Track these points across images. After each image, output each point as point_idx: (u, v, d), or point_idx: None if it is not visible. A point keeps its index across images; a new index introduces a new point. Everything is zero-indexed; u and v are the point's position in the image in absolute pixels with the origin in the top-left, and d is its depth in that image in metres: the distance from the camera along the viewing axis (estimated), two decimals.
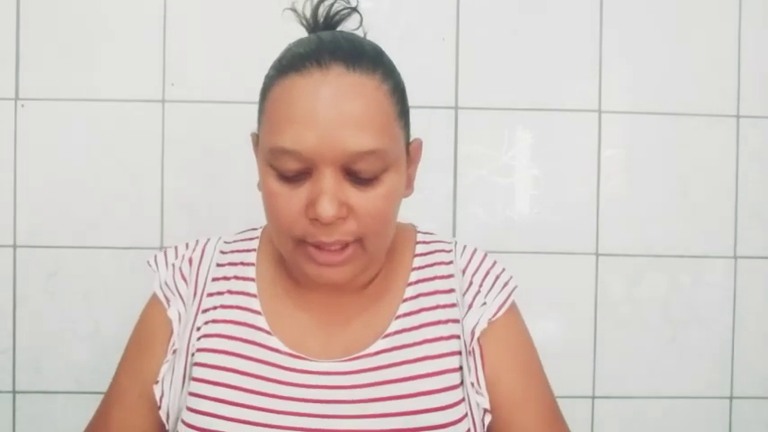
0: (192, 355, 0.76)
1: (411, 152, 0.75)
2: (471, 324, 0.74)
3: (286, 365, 0.73)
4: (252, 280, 0.78)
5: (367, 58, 0.69)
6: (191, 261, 0.80)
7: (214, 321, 0.76)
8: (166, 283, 0.79)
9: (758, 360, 1.26)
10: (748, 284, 1.26)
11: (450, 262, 0.79)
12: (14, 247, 1.22)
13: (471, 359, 0.74)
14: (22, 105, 1.21)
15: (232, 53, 1.21)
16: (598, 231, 1.25)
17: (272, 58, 0.73)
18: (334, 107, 0.66)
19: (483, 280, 0.78)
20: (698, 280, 1.25)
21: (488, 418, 0.75)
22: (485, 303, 0.76)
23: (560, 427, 0.79)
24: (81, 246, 1.22)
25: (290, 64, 0.69)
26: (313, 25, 0.76)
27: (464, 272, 0.78)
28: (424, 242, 0.81)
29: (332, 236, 0.68)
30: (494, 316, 0.75)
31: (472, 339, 0.74)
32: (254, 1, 1.20)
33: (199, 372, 0.74)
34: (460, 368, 0.74)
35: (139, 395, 0.78)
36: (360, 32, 0.76)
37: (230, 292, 0.78)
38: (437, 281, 0.77)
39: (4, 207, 1.21)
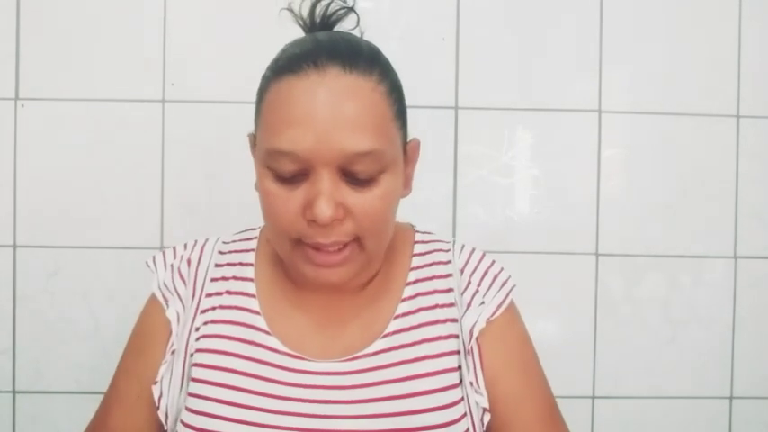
0: (191, 355, 0.76)
1: (409, 152, 0.75)
2: (470, 323, 0.75)
3: (285, 365, 0.73)
4: (250, 280, 0.78)
5: (364, 58, 0.69)
6: (189, 262, 0.80)
7: (213, 322, 0.76)
8: (165, 284, 0.79)
9: (758, 360, 1.26)
10: (748, 284, 1.26)
11: (449, 261, 0.79)
12: (14, 247, 1.22)
13: (470, 358, 0.74)
14: (22, 105, 1.21)
15: (232, 53, 1.21)
16: (598, 231, 1.25)
17: (273, 57, 0.73)
18: (331, 109, 0.66)
19: (481, 279, 0.78)
20: (698, 280, 1.25)
21: (487, 417, 0.75)
22: (483, 303, 0.76)
23: (559, 425, 0.79)
24: (81, 246, 1.22)
25: (287, 65, 0.69)
26: (310, 25, 0.76)
27: (462, 271, 0.78)
28: (423, 242, 0.81)
29: (329, 237, 0.68)
30: (492, 315, 0.76)
31: (471, 339, 0.74)
32: (254, 1, 1.20)
33: (198, 372, 0.74)
34: (459, 367, 0.74)
35: (138, 396, 0.78)
36: (356, 32, 0.76)
37: (229, 292, 0.78)
38: (435, 280, 0.77)
39: (4, 207, 1.21)
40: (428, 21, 1.23)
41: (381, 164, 0.68)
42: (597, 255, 1.25)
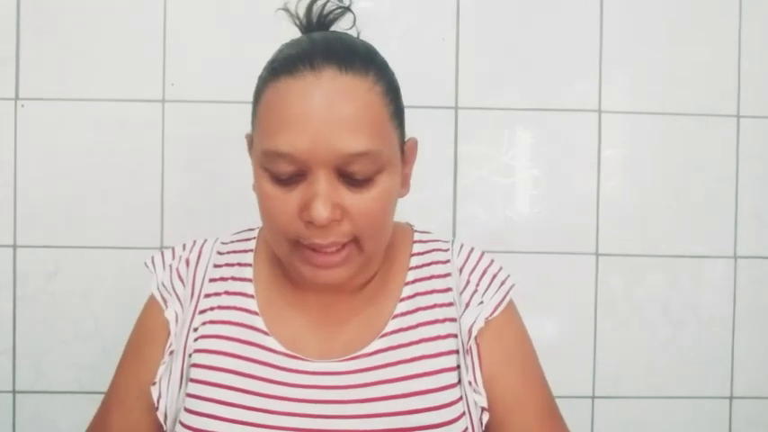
0: (190, 356, 0.76)
1: (406, 152, 0.75)
2: (468, 323, 0.74)
3: (283, 366, 0.73)
4: (249, 281, 0.78)
5: (359, 59, 0.69)
6: (188, 262, 0.80)
7: (211, 322, 0.76)
8: (163, 285, 0.79)
9: (758, 360, 1.26)
10: (748, 284, 1.26)
11: (448, 261, 0.79)
12: (14, 247, 1.22)
13: (468, 358, 0.74)
14: (22, 105, 1.21)
15: (232, 53, 1.21)
16: (598, 231, 1.25)
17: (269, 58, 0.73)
18: (327, 110, 0.66)
19: (480, 279, 0.77)
20: (698, 280, 1.25)
21: (486, 417, 0.75)
22: (482, 302, 0.76)
23: (558, 424, 0.79)
24: (81, 246, 1.22)
25: (283, 66, 0.68)
26: (306, 25, 0.76)
27: (461, 271, 0.78)
28: (421, 241, 0.81)
29: (326, 238, 0.68)
30: (491, 315, 0.75)
31: (469, 338, 0.74)
32: (253, 1, 1.20)
33: (196, 373, 0.74)
34: (458, 367, 0.74)
35: (138, 396, 0.78)
36: (353, 32, 0.76)
37: (227, 292, 0.78)
38: (434, 280, 0.77)
39: (4, 207, 1.21)
40: (428, 21, 1.23)
41: (378, 164, 0.68)
42: (597, 255, 1.25)
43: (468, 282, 0.77)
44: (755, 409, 1.26)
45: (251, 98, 0.73)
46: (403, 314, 0.75)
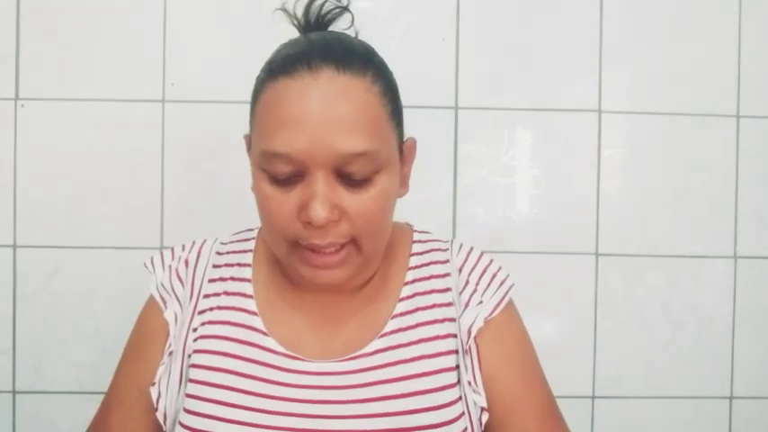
0: (189, 356, 0.76)
1: (405, 151, 0.75)
2: (468, 323, 0.74)
3: (282, 366, 0.73)
4: (248, 281, 0.78)
5: (357, 59, 0.69)
6: (187, 262, 0.80)
7: (210, 322, 0.76)
8: (163, 285, 0.79)
9: (758, 360, 1.26)
10: (748, 284, 1.26)
11: (447, 261, 0.79)
12: (14, 247, 1.22)
13: (468, 358, 0.74)
14: (22, 105, 1.21)
15: (232, 53, 1.21)
16: (598, 231, 1.25)
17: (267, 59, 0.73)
18: (325, 110, 0.65)
19: (479, 278, 0.77)
20: (698, 280, 1.25)
21: (486, 417, 0.74)
22: (481, 302, 0.76)
23: (558, 424, 0.79)
24: (81, 246, 1.22)
25: (280, 67, 0.68)
26: (304, 25, 0.76)
27: (460, 270, 0.78)
28: (421, 241, 0.81)
29: (325, 239, 0.68)
30: (490, 315, 0.75)
31: (468, 338, 0.74)
32: (253, 1, 1.20)
33: (195, 373, 0.74)
34: (457, 367, 0.74)
35: (137, 397, 0.78)
36: (351, 32, 0.76)
37: (226, 293, 0.77)
38: (433, 280, 0.77)
39: (4, 207, 1.21)
40: (428, 21, 1.23)
41: (376, 164, 0.68)
42: (597, 255, 1.25)
43: (467, 282, 0.77)
44: (755, 409, 1.26)
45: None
46: (402, 314, 0.75)
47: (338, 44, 0.70)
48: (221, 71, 1.21)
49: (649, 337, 1.25)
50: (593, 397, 1.25)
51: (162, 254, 0.81)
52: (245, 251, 0.80)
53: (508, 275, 0.79)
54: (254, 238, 0.82)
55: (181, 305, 0.78)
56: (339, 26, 0.76)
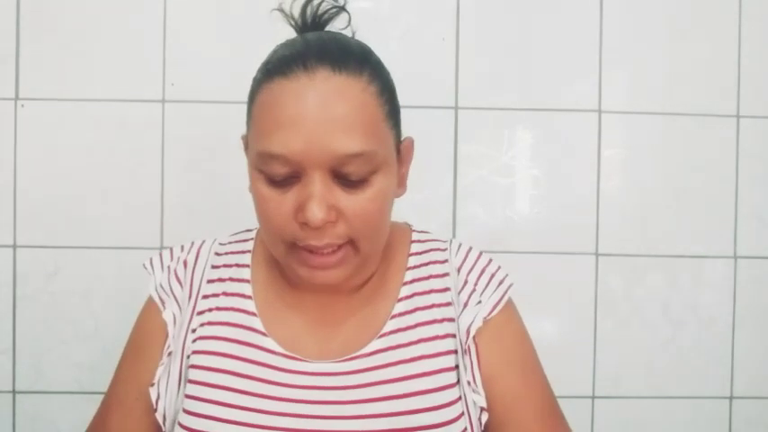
0: (188, 357, 0.75)
1: (402, 151, 0.74)
2: (466, 323, 0.74)
3: (281, 366, 0.73)
4: (247, 281, 0.78)
5: (354, 59, 0.69)
6: (185, 263, 0.80)
7: (209, 323, 0.76)
8: (161, 286, 0.79)
9: (758, 360, 1.26)
10: (748, 284, 1.26)
11: (445, 261, 0.79)
12: (14, 247, 1.22)
13: (467, 358, 0.74)
14: (22, 105, 1.21)
15: (232, 53, 1.21)
16: (598, 231, 1.25)
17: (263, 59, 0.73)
18: (321, 110, 0.65)
19: (478, 278, 0.77)
20: (698, 280, 1.25)
21: (485, 417, 0.74)
22: (480, 302, 0.76)
23: (558, 422, 0.79)
24: (81, 246, 1.22)
25: (276, 67, 0.68)
26: (301, 25, 0.76)
27: (459, 270, 0.78)
28: (419, 241, 0.81)
29: (322, 240, 0.67)
30: (489, 314, 0.75)
31: (467, 338, 0.74)
32: (253, 1, 1.20)
33: (195, 374, 0.74)
34: (456, 367, 0.74)
35: (136, 398, 0.78)
36: (348, 32, 0.76)
37: (225, 293, 0.77)
38: (432, 280, 0.77)
39: (4, 207, 1.21)
40: (428, 21, 1.23)
41: (373, 164, 0.68)
42: (597, 255, 1.25)
43: (466, 281, 0.77)
44: (755, 409, 1.26)
45: None
46: (401, 314, 0.75)
47: (334, 44, 0.70)
48: (221, 71, 1.21)
49: (649, 337, 1.25)
50: (594, 397, 1.25)
51: (161, 255, 0.81)
52: (243, 252, 0.80)
53: (507, 275, 0.79)
54: (252, 238, 0.82)
55: (179, 306, 0.78)
56: (336, 26, 0.76)
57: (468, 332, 0.74)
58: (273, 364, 0.73)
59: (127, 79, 1.21)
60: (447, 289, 0.77)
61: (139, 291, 0.84)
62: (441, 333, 0.74)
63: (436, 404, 0.71)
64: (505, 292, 0.77)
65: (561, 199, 1.24)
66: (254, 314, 0.76)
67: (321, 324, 0.76)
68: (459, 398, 0.73)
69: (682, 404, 1.25)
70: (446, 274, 0.78)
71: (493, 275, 0.78)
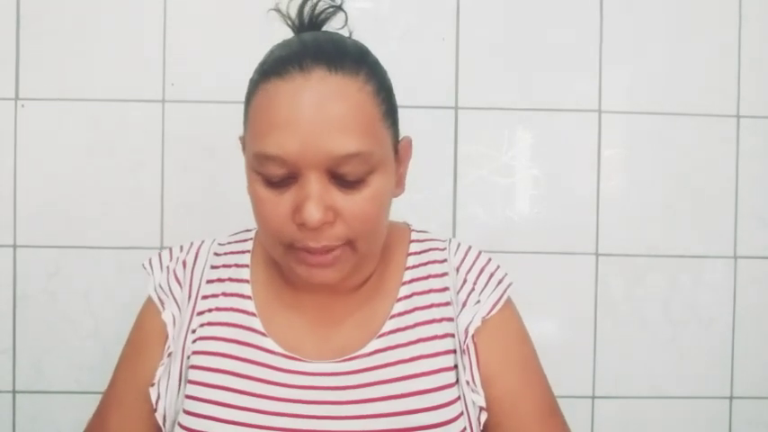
0: (188, 357, 0.75)
1: (400, 151, 0.74)
2: (465, 322, 0.74)
3: (280, 367, 0.73)
4: (246, 282, 0.78)
5: (350, 59, 0.68)
6: (185, 264, 0.80)
7: (209, 324, 0.76)
8: (161, 286, 0.79)
9: (758, 360, 1.26)
10: (748, 284, 1.25)
11: (444, 260, 0.79)
12: (14, 247, 1.22)
13: (466, 357, 0.74)
14: (22, 105, 1.21)
15: (232, 53, 1.21)
16: (598, 231, 1.25)
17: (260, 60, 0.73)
18: (317, 111, 0.65)
19: (477, 278, 0.77)
20: (698, 280, 1.25)
21: (484, 417, 0.74)
22: (479, 301, 0.76)
23: (557, 422, 0.79)
24: (81, 246, 1.22)
25: (272, 68, 0.68)
26: (298, 25, 0.76)
27: (458, 270, 0.78)
28: (418, 241, 0.81)
29: (319, 241, 0.67)
30: (488, 314, 0.75)
31: (466, 337, 0.74)
32: (253, 1, 1.20)
33: (194, 374, 0.74)
34: (455, 367, 0.74)
35: (136, 398, 0.78)
36: (345, 31, 0.76)
37: (225, 294, 0.77)
38: (431, 279, 0.77)
39: (4, 207, 1.21)
40: (428, 21, 1.23)
41: (370, 165, 0.67)
42: (597, 255, 1.25)
43: (465, 281, 0.77)
44: (755, 409, 1.26)
45: None
46: (400, 314, 0.75)
47: (330, 44, 0.70)
48: (221, 71, 1.21)
49: (649, 337, 1.25)
50: (594, 397, 1.25)
51: (160, 255, 0.81)
52: (242, 252, 0.80)
53: (506, 274, 0.79)
54: (251, 238, 0.82)
55: (179, 306, 0.78)
56: (333, 26, 0.76)
57: (466, 332, 0.74)
58: (273, 364, 0.73)
59: (127, 79, 1.21)
60: (446, 288, 0.77)
61: (139, 291, 0.84)
62: (440, 333, 0.74)
63: (435, 404, 0.71)
64: (504, 291, 0.77)
65: (561, 199, 1.24)
66: (253, 314, 0.76)
67: (320, 324, 0.76)
68: (459, 397, 0.73)
69: (682, 404, 1.25)
70: (445, 274, 0.78)
71: (492, 275, 0.78)
